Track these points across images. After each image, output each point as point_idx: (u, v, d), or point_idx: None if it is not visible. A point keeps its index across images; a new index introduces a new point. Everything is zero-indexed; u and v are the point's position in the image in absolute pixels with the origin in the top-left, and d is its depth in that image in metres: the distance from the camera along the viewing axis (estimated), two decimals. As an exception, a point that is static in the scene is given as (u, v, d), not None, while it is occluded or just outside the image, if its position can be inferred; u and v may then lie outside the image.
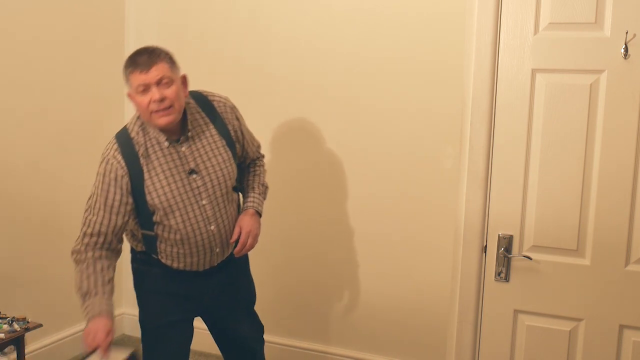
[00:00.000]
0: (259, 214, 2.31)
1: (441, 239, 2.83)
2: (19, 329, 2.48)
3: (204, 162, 2.09)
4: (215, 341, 2.50)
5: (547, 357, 2.18)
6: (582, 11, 2.02)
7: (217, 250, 2.16)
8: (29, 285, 3.01)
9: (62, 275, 3.20)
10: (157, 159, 2.04)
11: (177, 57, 3.46)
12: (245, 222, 2.21)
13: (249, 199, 2.31)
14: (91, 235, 2.02)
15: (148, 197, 2.03)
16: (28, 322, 2.55)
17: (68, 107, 3.16)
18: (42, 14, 2.96)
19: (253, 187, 2.35)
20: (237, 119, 2.24)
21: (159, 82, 1.95)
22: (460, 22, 2.47)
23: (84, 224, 2.05)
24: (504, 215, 2.18)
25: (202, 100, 2.19)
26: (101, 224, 2.01)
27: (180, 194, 2.04)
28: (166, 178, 2.04)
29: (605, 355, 2.11)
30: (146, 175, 2.02)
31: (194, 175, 2.07)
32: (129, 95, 2.04)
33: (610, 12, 1.99)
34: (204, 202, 2.08)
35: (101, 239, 2.02)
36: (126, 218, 2.04)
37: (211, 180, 2.10)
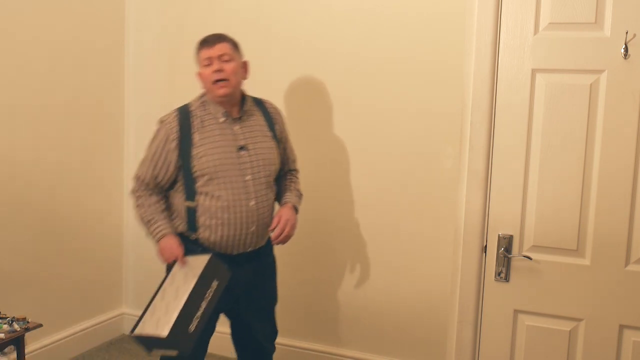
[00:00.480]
0: (296, 210, 2.49)
1: (441, 239, 2.83)
2: (19, 329, 2.48)
3: (253, 143, 2.33)
4: (233, 339, 2.58)
5: (547, 357, 2.18)
6: (582, 11, 2.02)
7: (253, 229, 2.30)
8: (29, 285, 3.00)
9: (62, 275, 3.20)
10: (212, 130, 2.29)
11: (177, 58, 3.47)
12: (284, 212, 2.40)
13: (286, 196, 2.50)
14: (138, 178, 2.37)
15: (196, 162, 2.25)
16: (28, 322, 2.55)
17: (68, 107, 3.16)
18: (42, 14, 2.96)
19: (290, 189, 2.54)
20: (283, 122, 2.51)
21: (220, 57, 2.27)
22: (460, 22, 2.47)
23: (137, 169, 2.40)
24: (504, 215, 2.18)
25: (257, 100, 2.47)
26: (145, 173, 2.34)
27: (227, 164, 2.27)
28: (216, 148, 2.27)
29: (605, 355, 2.10)
30: (198, 143, 2.27)
31: (243, 152, 2.30)
32: (198, 75, 2.35)
33: (610, 12, 1.98)
34: (247, 177, 2.29)
35: (145, 184, 2.35)
36: (166, 177, 2.31)
37: (257, 160, 2.32)
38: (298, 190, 2.58)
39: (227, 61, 2.27)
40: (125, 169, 3.55)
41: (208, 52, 2.28)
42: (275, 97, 3.09)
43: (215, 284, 2.11)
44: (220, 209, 2.25)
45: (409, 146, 2.88)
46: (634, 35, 1.96)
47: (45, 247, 3.09)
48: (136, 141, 3.52)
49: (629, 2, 1.96)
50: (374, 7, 2.87)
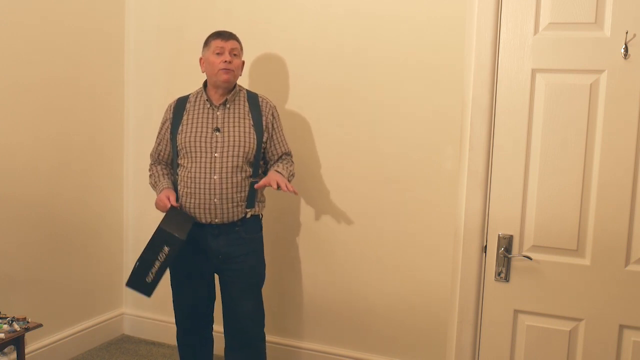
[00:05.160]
0: (281, 174, 2.64)
1: (441, 239, 2.83)
2: (19, 329, 2.48)
3: (229, 126, 2.61)
4: (224, 326, 2.70)
5: (547, 357, 2.18)
6: (582, 11, 2.02)
7: (216, 200, 2.56)
8: (29, 285, 3.01)
9: (62, 275, 3.20)
10: (198, 112, 2.64)
11: (177, 58, 3.47)
12: (268, 175, 2.61)
13: (273, 167, 2.71)
14: (152, 155, 2.80)
15: (178, 137, 2.63)
16: (28, 322, 2.55)
17: (68, 107, 3.17)
18: (42, 15, 2.96)
19: (278, 165, 2.72)
20: (273, 115, 2.73)
21: (231, 51, 2.61)
22: (460, 23, 2.47)
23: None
24: (504, 215, 2.17)
25: (252, 94, 2.74)
26: (153, 149, 2.79)
27: (201, 140, 2.58)
28: (197, 127, 2.61)
29: (605, 355, 2.10)
30: (184, 121, 2.65)
31: (217, 133, 2.59)
32: (201, 59, 2.68)
33: (610, 12, 1.98)
34: (216, 154, 2.56)
35: (154, 159, 2.79)
36: (166, 151, 2.74)
37: (228, 141, 2.58)
38: (287, 169, 2.71)
39: (236, 55, 2.63)
40: (125, 169, 3.56)
41: (221, 43, 2.60)
42: (273, 99, 3.10)
43: (167, 248, 2.44)
44: (189, 179, 2.58)
45: (409, 147, 2.88)
46: (634, 35, 1.96)
47: (46, 247, 3.09)
48: (136, 141, 3.53)
49: (629, 2, 1.96)
50: (375, 8, 2.87)
